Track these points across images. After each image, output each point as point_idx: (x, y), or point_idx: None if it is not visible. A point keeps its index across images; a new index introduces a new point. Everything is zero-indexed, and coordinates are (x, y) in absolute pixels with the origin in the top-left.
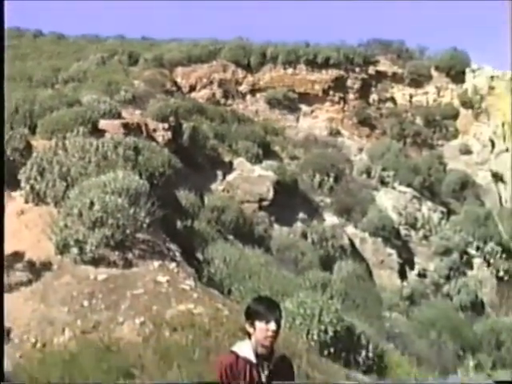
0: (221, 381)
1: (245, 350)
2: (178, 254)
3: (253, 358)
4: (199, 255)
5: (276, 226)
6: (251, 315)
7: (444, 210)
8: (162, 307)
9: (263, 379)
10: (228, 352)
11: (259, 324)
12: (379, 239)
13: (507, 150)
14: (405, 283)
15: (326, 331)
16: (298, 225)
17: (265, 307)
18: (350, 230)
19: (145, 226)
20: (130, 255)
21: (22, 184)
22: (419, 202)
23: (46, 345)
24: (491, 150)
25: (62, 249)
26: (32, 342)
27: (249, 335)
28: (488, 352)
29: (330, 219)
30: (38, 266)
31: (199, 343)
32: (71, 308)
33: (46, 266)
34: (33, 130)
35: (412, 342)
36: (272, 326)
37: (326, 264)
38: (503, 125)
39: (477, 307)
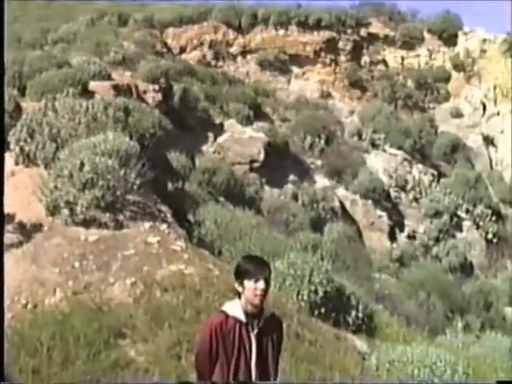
0: (210, 340)
1: (234, 309)
2: (168, 215)
3: (242, 317)
4: (190, 217)
5: (267, 188)
6: (240, 274)
7: (434, 172)
8: (153, 268)
9: (252, 338)
10: (218, 312)
11: (248, 283)
12: (370, 201)
13: (498, 113)
14: (394, 245)
15: (316, 292)
16: (289, 187)
17: (254, 266)
18: (341, 192)
19: (135, 187)
20: (120, 216)
21: (12, 146)
22: (410, 164)
23: (37, 306)
24: (482, 114)
25: (53, 210)
26: (23, 303)
27: (238, 294)
28: (476, 313)
29: (321, 181)
30: (29, 228)
31: (190, 303)
32: (62, 269)
33: (37, 227)
34: (22, 91)
35: (401, 303)
36: (261, 284)
37: (317, 226)
38: (495, 88)
39: (466, 269)
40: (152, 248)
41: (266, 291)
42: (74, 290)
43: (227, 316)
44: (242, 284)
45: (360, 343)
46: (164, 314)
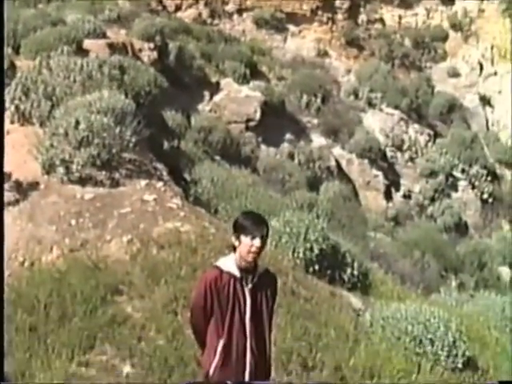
0: (204, 295)
1: (228, 264)
2: (164, 173)
3: (236, 272)
4: (186, 175)
5: (263, 147)
6: (238, 229)
7: (431, 132)
8: (149, 225)
9: (247, 293)
10: (212, 267)
11: (244, 239)
12: (366, 161)
13: (496, 73)
14: (390, 204)
15: (311, 249)
16: (285, 146)
17: (252, 223)
18: (337, 151)
19: (131, 145)
20: (116, 174)
21: (7, 104)
22: (406, 124)
23: (34, 263)
24: (479, 74)
25: (49, 168)
26: (20, 260)
27: (234, 248)
28: (470, 272)
29: (317, 140)
30: (25, 186)
31: (186, 260)
32: (59, 227)
33: (33, 185)
34: (16, 50)
35: (396, 262)
36: (257, 242)
37: (313, 185)
38: (492, 48)
39: (460, 229)
40: (148, 206)
41: (260, 249)
42: (70, 247)
43: (221, 271)
44: (238, 238)
45: (355, 300)
46: (160, 270)
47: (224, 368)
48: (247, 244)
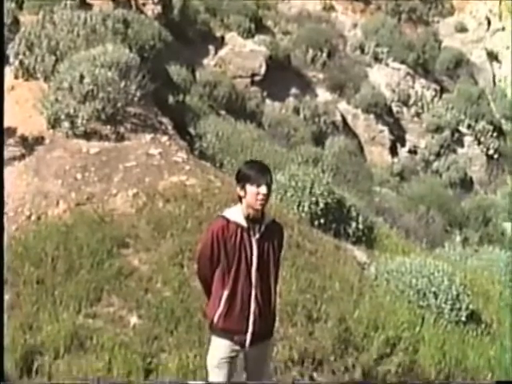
0: (211, 245)
1: (235, 214)
2: (169, 127)
3: (243, 222)
4: (191, 130)
5: (268, 102)
6: (243, 179)
7: (437, 87)
8: (155, 179)
9: (254, 243)
10: (219, 217)
11: (250, 187)
12: (371, 116)
13: (503, 28)
14: (395, 159)
15: (316, 203)
16: (291, 100)
17: (256, 171)
18: (343, 106)
19: (136, 99)
20: (121, 129)
21: (11, 59)
22: (412, 79)
23: (40, 217)
24: (487, 29)
25: (54, 123)
26: (27, 214)
27: (240, 199)
28: (475, 228)
29: (323, 95)
30: (31, 141)
31: (192, 213)
32: (65, 181)
33: (38, 140)
34: (20, 5)
35: (401, 216)
36: (263, 189)
37: (318, 139)
38: (500, 3)
39: (465, 184)
40: (154, 159)
41: (267, 196)
42: (76, 201)
43: (228, 221)
44: (243, 188)
45: (359, 254)
46: (166, 224)
47: (228, 317)
48: (254, 192)
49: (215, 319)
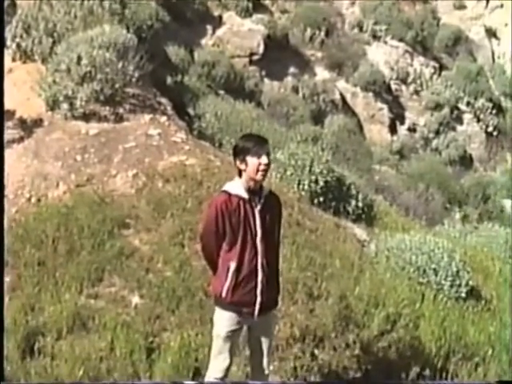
0: (216, 219)
1: (236, 187)
2: (168, 108)
3: (245, 194)
4: (190, 110)
5: (267, 81)
6: (242, 151)
7: (436, 65)
8: (154, 159)
9: (256, 214)
10: (220, 192)
11: (251, 159)
12: (370, 94)
13: (502, 5)
14: (395, 137)
15: (316, 181)
16: (289, 79)
17: (255, 143)
18: (342, 84)
19: (134, 80)
20: (120, 110)
21: (8, 42)
22: (411, 56)
23: (40, 199)
24: (485, 6)
25: (52, 105)
26: (27, 197)
27: (239, 173)
28: (475, 205)
29: (322, 74)
30: (29, 123)
31: (192, 193)
32: (64, 163)
33: (37, 122)
34: None
35: (400, 194)
36: (264, 159)
37: (317, 118)
38: None
39: (465, 162)
40: (153, 140)
41: (268, 165)
42: (76, 182)
43: (230, 195)
44: (244, 161)
45: (359, 231)
46: (166, 204)
47: (236, 289)
48: (255, 163)
49: (223, 293)
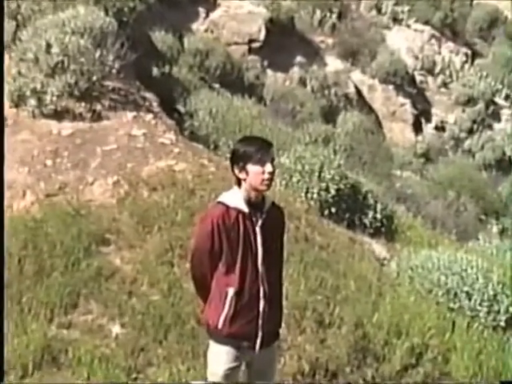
0: (211, 236)
1: (234, 199)
2: (155, 104)
3: (245, 208)
4: (180, 107)
5: (269, 72)
6: (242, 158)
7: (468, 51)
8: (139, 164)
9: (257, 230)
10: (215, 204)
11: (253, 167)
12: (390, 87)
13: None
14: (419, 138)
15: (327, 189)
16: (295, 70)
17: (257, 148)
18: (357, 76)
19: (114, 71)
20: (98, 106)
21: None
22: (439, 42)
23: (4, 211)
24: None
25: (17, 101)
26: None
27: (238, 182)
28: None
29: (333, 63)
30: None
31: (182, 204)
32: (32, 168)
33: None
34: None
35: (426, 204)
36: (268, 167)
37: (329, 116)
38: None
39: (503, 165)
40: (137, 142)
41: (273, 174)
42: (46, 192)
43: (227, 207)
44: (244, 169)
45: (378, 247)
46: (152, 216)
47: (235, 319)
48: (258, 172)
49: (220, 324)
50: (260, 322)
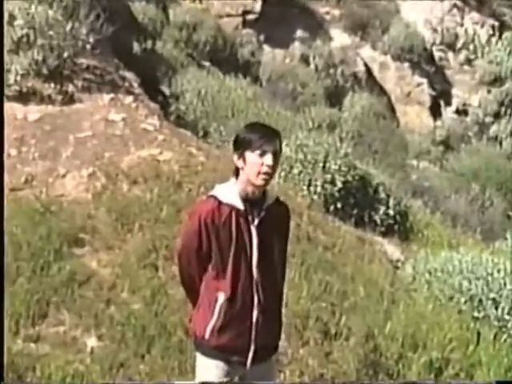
0: (199, 234)
1: (228, 193)
2: (135, 84)
3: (239, 204)
4: (165, 88)
5: (266, 48)
6: (241, 145)
7: (495, 23)
8: (117, 153)
9: (253, 231)
10: (207, 198)
11: (251, 156)
12: (405, 64)
13: None
14: (439, 123)
15: (332, 182)
16: (296, 46)
17: (260, 135)
18: (366, 52)
19: (88, 47)
20: (70, 87)
21: None
22: (461, 13)
23: None
24: None
25: None
26: None
27: (237, 172)
28: None
29: (339, 38)
30: None
31: (167, 198)
32: None
33: None
34: None
35: (446, 198)
36: (268, 159)
37: (334, 98)
38: None
39: None
40: (115, 128)
41: (273, 169)
42: (11, 185)
43: (220, 202)
44: (242, 157)
45: (391, 248)
46: (134, 212)
47: (224, 329)
48: (255, 162)
49: (207, 334)
50: (253, 333)
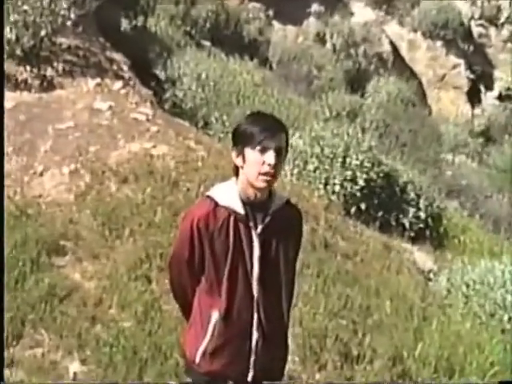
0: (190, 241)
1: (227, 194)
2: (125, 68)
3: (239, 207)
4: (158, 72)
5: (276, 25)
6: (241, 139)
7: None
8: (104, 148)
9: (255, 239)
10: (203, 199)
11: (251, 153)
12: (438, 43)
13: None
14: (477, 111)
15: (353, 180)
16: (311, 22)
17: (261, 128)
18: (393, 28)
19: (69, 24)
20: (49, 71)
21: None
22: None
23: None
24: None
25: None
26: None
27: (236, 171)
28: None
29: (361, 13)
30: None
31: (162, 199)
32: None
33: None
34: None
35: (486, 199)
36: (270, 157)
37: (356, 83)
38: None
39: None
40: (101, 118)
41: (276, 168)
42: None
43: (216, 205)
44: (241, 153)
45: (421, 256)
46: (123, 216)
47: (219, 352)
48: (255, 161)
49: (197, 358)
50: (252, 358)
